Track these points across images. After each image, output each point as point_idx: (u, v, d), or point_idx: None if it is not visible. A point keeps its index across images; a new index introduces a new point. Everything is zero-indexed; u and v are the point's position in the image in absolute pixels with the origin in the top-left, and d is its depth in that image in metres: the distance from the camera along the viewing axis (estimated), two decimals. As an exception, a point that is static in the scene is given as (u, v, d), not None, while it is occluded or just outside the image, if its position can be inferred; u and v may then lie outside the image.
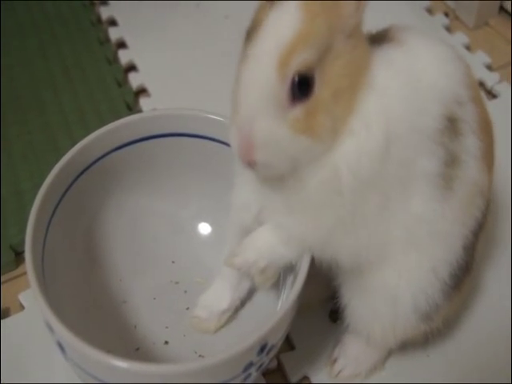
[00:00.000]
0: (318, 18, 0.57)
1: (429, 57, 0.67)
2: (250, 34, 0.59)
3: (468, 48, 1.26)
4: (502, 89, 1.18)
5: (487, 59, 1.23)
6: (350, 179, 0.62)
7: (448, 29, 1.29)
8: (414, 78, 0.64)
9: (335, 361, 0.84)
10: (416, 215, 0.67)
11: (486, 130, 0.70)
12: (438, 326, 0.79)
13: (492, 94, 1.19)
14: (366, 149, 0.61)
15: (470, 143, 0.67)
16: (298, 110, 0.58)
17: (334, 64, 0.59)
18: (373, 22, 1.22)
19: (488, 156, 0.71)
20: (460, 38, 1.27)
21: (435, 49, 0.68)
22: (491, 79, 1.20)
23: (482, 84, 1.19)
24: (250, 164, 0.61)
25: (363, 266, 0.70)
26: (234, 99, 0.61)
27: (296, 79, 0.57)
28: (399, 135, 0.62)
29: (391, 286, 0.71)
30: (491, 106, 1.14)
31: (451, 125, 0.65)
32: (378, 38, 0.67)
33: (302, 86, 0.58)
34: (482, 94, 1.14)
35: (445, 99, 0.65)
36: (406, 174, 0.65)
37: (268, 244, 0.71)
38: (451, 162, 0.66)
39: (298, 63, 0.56)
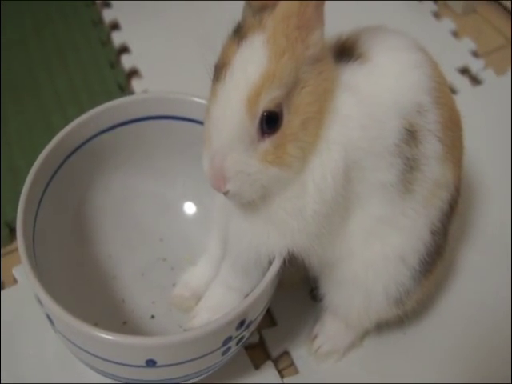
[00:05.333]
0: (285, 55, 0.59)
1: (392, 73, 0.68)
2: (219, 71, 0.61)
3: (455, 34, 1.28)
4: (487, 75, 1.21)
5: (473, 46, 1.25)
6: (316, 195, 0.65)
7: (436, 15, 1.31)
8: (375, 102, 0.66)
9: (315, 337, 0.87)
10: (375, 217, 0.70)
11: (451, 127, 0.72)
12: (411, 308, 0.82)
13: (477, 81, 1.21)
14: (328, 167, 0.64)
15: (431, 147, 0.69)
16: (268, 143, 0.61)
17: (301, 93, 0.61)
18: (361, 8, 1.25)
19: (454, 151, 0.73)
20: (447, 24, 1.29)
21: (400, 60, 0.69)
22: (476, 65, 1.22)
23: (466, 70, 1.22)
24: (223, 193, 0.64)
25: (332, 262, 0.74)
26: (205, 131, 0.63)
27: (265, 116, 0.60)
28: (356, 160, 0.65)
29: (361, 277, 0.75)
30: (475, 92, 1.19)
31: (411, 136, 0.68)
32: (347, 51, 0.69)
33: (270, 122, 0.60)
34: (467, 81, 1.18)
35: (405, 113, 0.67)
36: (363, 190, 0.68)
37: (218, 302, 0.79)
38: (410, 168, 0.68)
39: (266, 102, 0.59)
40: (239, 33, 0.61)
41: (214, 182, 0.63)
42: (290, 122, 0.61)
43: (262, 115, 0.60)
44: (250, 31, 0.60)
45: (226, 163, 0.61)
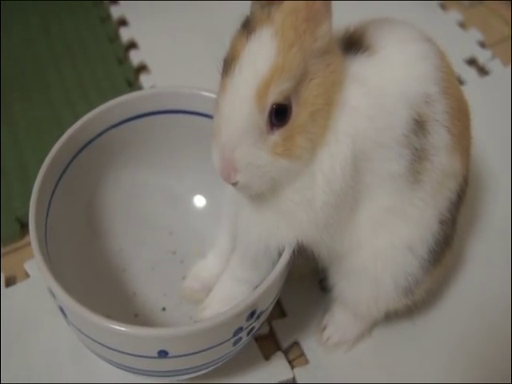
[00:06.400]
0: (294, 48, 0.59)
1: (400, 64, 0.68)
2: (228, 65, 0.61)
3: (462, 25, 1.28)
4: (494, 66, 1.21)
5: (480, 36, 1.25)
6: (325, 186, 0.65)
7: (443, 6, 1.32)
8: (383, 94, 0.66)
9: (324, 328, 0.88)
10: (383, 207, 0.71)
11: (459, 117, 0.72)
12: (420, 298, 0.83)
13: (484, 71, 1.21)
14: (337, 158, 0.64)
15: (439, 137, 0.70)
16: (277, 135, 0.62)
17: (309, 85, 0.62)
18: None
19: (462, 140, 0.74)
20: (454, 15, 1.29)
21: (407, 51, 0.70)
22: (483, 56, 1.22)
23: (474, 61, 1.22)
24: (232, 184, 0.64)
25: (341, 252, 0.75)
26: (215, 124, 0.64)
27: (274, 108, 0.60)
28: (364, 151, 0.66)
29: (370, 268, 0.75)
30: (483, 82, 1.19)
31: (419, 126, 0.68)
32: (355, 43, 0.69)
33: (279, 114, 0.61)
34: (474, 71, 1.18)
35: (413, 103, 0.67)
36: (372, 180, 0.69)
37: (228, 294, 0.79)
38: (419, 158, 0.69)
39: (275, 95, 0.59)
40: (248, 26, 0.62)
41: (223, 173, 0.64)
42: (299, 114, 0.62)
43: (271, 108, 0.60)
44: (259, 24, 0.60)
45: (236, 155, 0.62)
